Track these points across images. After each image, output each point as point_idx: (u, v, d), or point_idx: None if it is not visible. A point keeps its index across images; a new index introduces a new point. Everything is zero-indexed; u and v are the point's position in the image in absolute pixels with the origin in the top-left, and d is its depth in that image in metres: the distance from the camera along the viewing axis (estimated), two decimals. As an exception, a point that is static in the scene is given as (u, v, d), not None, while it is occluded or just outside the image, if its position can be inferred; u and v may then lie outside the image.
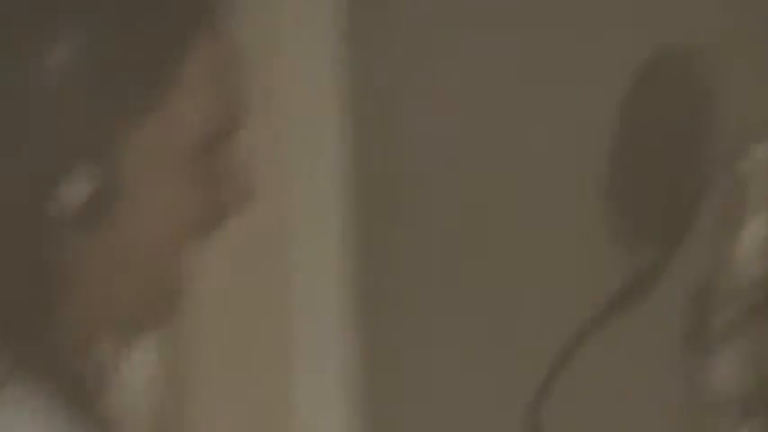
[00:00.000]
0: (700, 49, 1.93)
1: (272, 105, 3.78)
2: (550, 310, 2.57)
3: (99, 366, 1.75)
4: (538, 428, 1.98)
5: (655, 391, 2.67)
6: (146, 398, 2.22)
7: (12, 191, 1.51)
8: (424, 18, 4.63)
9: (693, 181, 1.87)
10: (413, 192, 4.15)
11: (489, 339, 3.95)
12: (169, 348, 3.35)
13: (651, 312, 2.11)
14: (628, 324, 1.98)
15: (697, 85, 1.90)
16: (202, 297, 3.95)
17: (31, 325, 1.60)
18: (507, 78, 4.40)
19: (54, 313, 1.62)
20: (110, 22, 1.60)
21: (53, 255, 1.60)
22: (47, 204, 1.55)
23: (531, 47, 4.38)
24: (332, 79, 4.36)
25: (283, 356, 3.83)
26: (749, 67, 3.78)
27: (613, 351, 2.68)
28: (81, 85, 1.56)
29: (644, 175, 1.91)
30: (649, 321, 2.32)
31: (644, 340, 2.83)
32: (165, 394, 2.13)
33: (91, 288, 1.70)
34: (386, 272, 4.35)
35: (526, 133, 4.31)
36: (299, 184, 3.95)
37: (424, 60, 4.41)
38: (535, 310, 3.11)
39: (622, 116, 1.94)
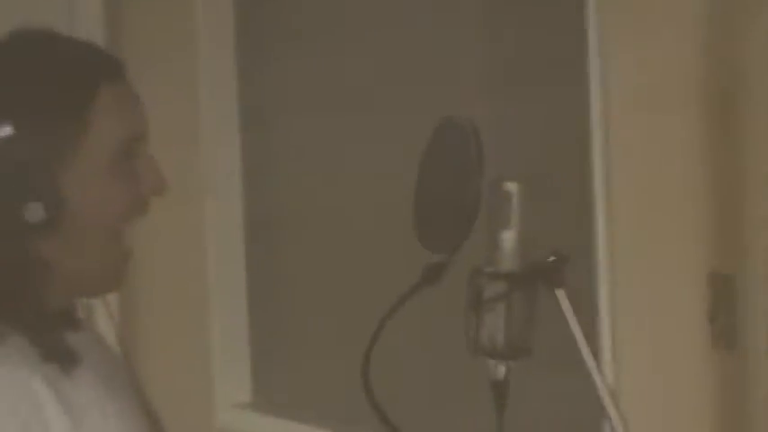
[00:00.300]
0: (472, 119, 2.55)
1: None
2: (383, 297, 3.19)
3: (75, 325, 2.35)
4: (368, 385, 2.55)
5: (451, 343, 2.91)
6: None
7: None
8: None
9: (469, 206, 2.50)
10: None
11: (342, 321, 4.61)
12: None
13: (447, 290, 2.61)
14: (432, 296, 2.56)
15: (471, 140, 2.54)
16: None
17: (21, 298, 2.22)
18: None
19: (36, 289, 2.23)
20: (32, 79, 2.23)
21: (32, 249, 2.22)
22: (19, 221, 2.16)
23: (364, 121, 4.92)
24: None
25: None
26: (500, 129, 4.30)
27: (426, 314, 3.15)
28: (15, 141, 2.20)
29: (437, 203, 2.58)
30: (447, 295, 2.67)
31: (443, 308, 3.06)
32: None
33: (62, 269, 2.27)
34: (272, 271, 5.25)
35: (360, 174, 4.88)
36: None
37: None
38: (372, 297, 3.59)
39: (423, 162, 2.62)
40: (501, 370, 2.58)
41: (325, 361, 4.32)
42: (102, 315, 2.57)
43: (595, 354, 2.61)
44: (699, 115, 3.88)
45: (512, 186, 2.54)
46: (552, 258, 2.58)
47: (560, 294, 2.54)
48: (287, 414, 5.00)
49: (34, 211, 2.23)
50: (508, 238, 2.56)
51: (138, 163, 2.33)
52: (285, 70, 5.46)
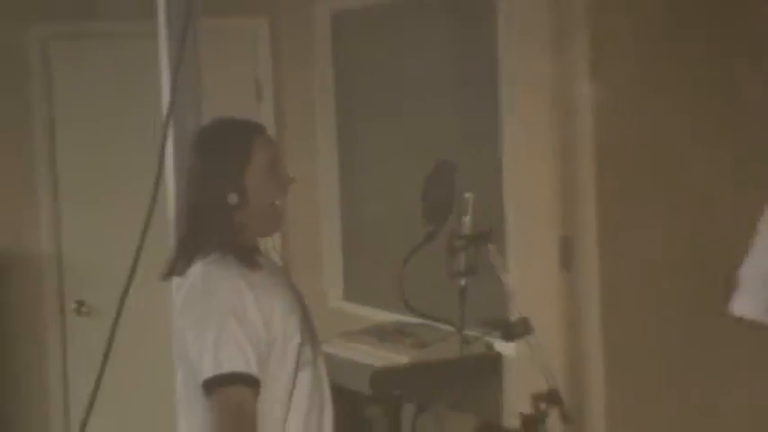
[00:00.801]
0: (454, 162, 3.96)
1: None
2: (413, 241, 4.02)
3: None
4: (401, 289, 3.93)
5: (439, 271, 4.10)
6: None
7: None
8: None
9: (448, 202, 3.93)
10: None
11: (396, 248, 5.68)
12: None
13: (437, 252, 3.96)
14: (431, 254, 3.89)
15: (452, 171, 3.98)
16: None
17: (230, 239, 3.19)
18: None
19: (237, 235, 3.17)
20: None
21: (234, 216, 3.15)
22: (226, 203, 3.18)
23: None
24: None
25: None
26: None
27: (428, 263, 3.97)
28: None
29: (434, 199, 3.95)
30: (436, 255, 3.95)
31: (439, 263, 4.06)
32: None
33: (249, 225, 3.19)
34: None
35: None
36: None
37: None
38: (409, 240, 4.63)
39: (428, 178, 4.00)
40: (462, 283, 4.01)
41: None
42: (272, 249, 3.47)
43: (506, 276, 4.01)
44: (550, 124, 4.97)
45: (469, 195, 4.01)
46: (487, 228, 4.00)
47: (491, 247, 3.97)
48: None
49: (232, 198, 3.24)
50: (466, 220, 4.01)
51: (278, 171, 3.33)
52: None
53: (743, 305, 4.18)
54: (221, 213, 3.24)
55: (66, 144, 6.67)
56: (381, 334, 5.53)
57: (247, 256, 3.24)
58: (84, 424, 3.44)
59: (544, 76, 5.02)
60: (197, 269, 3.22)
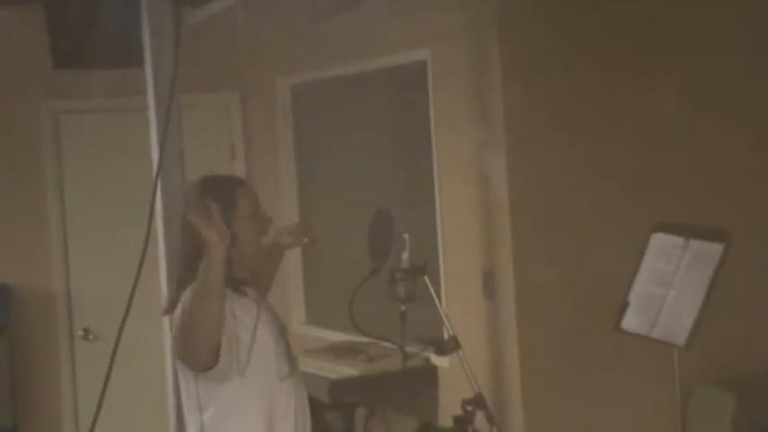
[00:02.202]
0: (390, 209, 4.04)
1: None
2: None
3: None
4: (352, 315, 3.85)
5: (383, 298, 4.12)
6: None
7: None
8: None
9: (389, 242, 4.00)
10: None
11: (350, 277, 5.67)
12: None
13: (381, 283, 4.03)
14: (378, 283, 3.96)
15: (391, 217, 4.04)
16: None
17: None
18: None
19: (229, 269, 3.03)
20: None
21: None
22: None
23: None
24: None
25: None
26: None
27: (373, 292, 3.98)
28: None
29: (377, 240, 4.01)
30: (381, 285, 4.04)
31: (382, 293, 4.11)
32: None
33: (238, 260, 3.14)
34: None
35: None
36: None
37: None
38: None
39: (371, 224, 4.03)
40: (402, 308, 4.10)
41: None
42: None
43: (439, 302, 4.02)
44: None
45: (406, 236, 4.09)
46: (422, 262, 4.06)
47: (426, 278, 4.02)
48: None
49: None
50: (405, 257, 4.09)
51: (259, 215, 3.33)
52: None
53: (630, 323, 4.22)
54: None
55: (73, 199, 6.66)
56: (337, 351, 5.54)
57: (235, 284, 3.20)
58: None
59: (468, 134, 5.06)
60: (184, 296, 3.18)
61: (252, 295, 3.29)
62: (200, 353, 2.98)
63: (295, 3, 5.79)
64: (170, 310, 3.26)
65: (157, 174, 3.60)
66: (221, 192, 3.27)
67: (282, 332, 3.36)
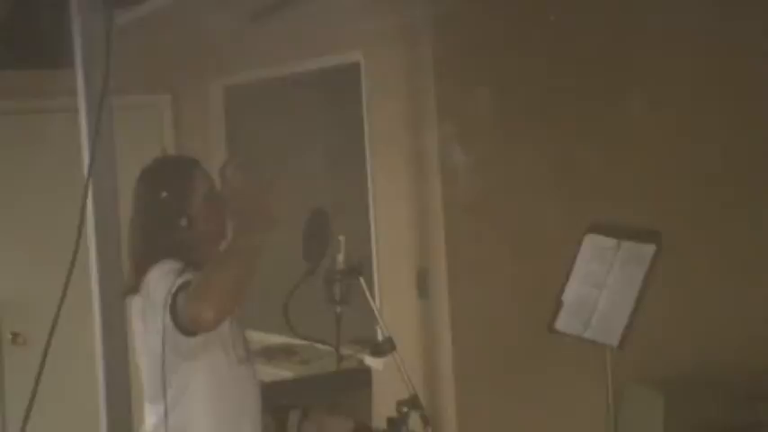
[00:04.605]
0: (326, 208, 3.89)
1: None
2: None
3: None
4: (288, 317, 3.90)
5: (315, 300, 4.05)
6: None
7: None
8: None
9: (325, 243, 3.88)
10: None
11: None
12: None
13: (316, 284, 3.92)
14: (311, 286, 3.86)
15: (327, 216, 3.91)
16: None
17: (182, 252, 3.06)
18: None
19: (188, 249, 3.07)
20: None
21: (184, 236, 3.08)
22: (179, 226, 3.09)
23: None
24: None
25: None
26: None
27: (308, 294, 3.85)
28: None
29: (312, 241, 3.87)
30: (315, 287, 3.91)
31: (317, 294, 4.03)
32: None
33: (197, 241, 3.12)
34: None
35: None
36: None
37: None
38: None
39: (306, 221, 3.87)
40: (338, 310, 4.06)
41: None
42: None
43: (374, 304, 3.99)
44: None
45: (342, 238, 4.03)
46: (358, 263, 4.02)
47: (361, 279, 3.98)
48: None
49: (183, 221, 3.22)
50: (340, 258, 4.03)
51: (215, 196, 3.25)
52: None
53: (564, 324, 4.24)
54: (169, 233, 3.20)
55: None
56: (270, 354, 5.51)
57: (195, 266, 3.10)
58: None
59: (401, 136, 5.08)
60: (150, 275, 3.14)
61: None
62: (215, 312, 2.86)
63: (229, 3, 5.71)
64: (128, 293, 3.22)
65: (89, 174, 3.47)
66: (177, 172, 3.28)
67: (237, 320, 3.32)
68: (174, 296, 2.98)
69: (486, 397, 4.89)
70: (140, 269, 3.19)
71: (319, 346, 4.79)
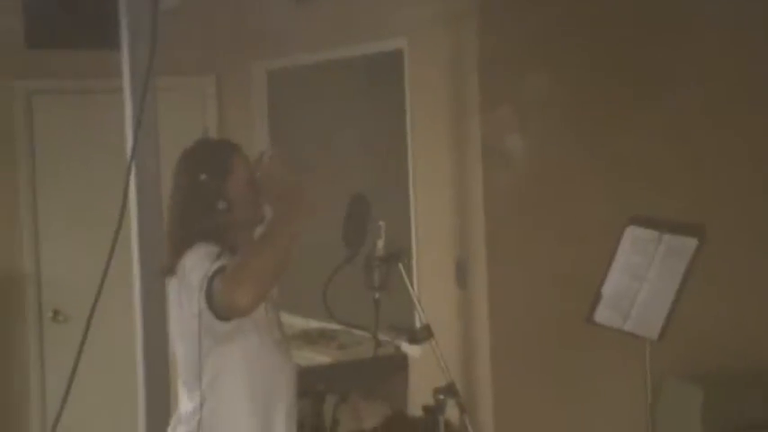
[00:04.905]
0: (366, 194, 3.93)
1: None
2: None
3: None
4: (327, 302, 3.79)
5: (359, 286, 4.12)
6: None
7: None
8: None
9: (364, 229, 3.90)
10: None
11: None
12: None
13: (355, 270, 3.95)
14: (352, 270, 3.87)
15: (367, 203, 3.94)
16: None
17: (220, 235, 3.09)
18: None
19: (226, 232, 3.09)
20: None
21: (222, 218, 3.09)
22: (216, 209, 3.11)
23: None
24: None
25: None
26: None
27: (347, 279, 3.86)
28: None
29: (352, 227, 3.91)
30: (355, 273, 3.94)
31: (356, 279, 4.05)
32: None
33: (235, 224, 3.12)
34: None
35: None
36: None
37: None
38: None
39: (348, 206, 3.91)
40: (377, 296, 4.04)
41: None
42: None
43: (412, 291, 4.01)
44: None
45: (382, 223, 4.04)
46: (397, 250, 4.04)
47: (401, 265, 4.00)
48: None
49: (222, 204, 3.22)
50: (380, 244, 4.05)
51: (254, 182, 3.23)
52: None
53: (603, 315, 4.23)
54: (207, 216, 3.19)
55: (44, 179, 6.63)
56: (309, 338, 5.53)
57: (231, 250, 3.13)
58: (57, 419, 3.32)
59: (443, 123, 5.06)
60: (185, 259, 3.14)
61: None
62: (251, 295, 2.88)
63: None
64: (166, 274, 3.24)
65: (132, 156, 3.55)
66: (217, 156, 3.27)
67: (272, 304, 3.35)
68: (210, 280, 2.99)
69: (524, 387, 4.89)
70: (177, 251, 3.19)
71: (357, 331, 4.86)
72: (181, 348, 3.27)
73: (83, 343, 3.22)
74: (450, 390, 3.93)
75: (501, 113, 4.86)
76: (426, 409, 3.97)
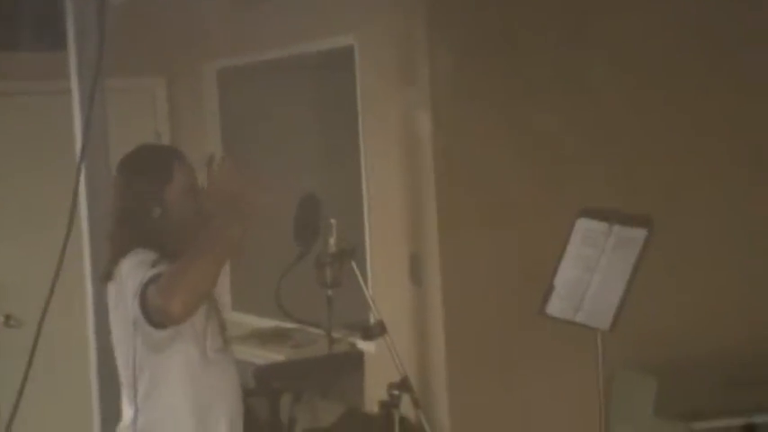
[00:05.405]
0: (316, 193, 4.00)
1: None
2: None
3: None
4: (280, 300, 4.05)
5: (310, 283, 4.10)
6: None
7: None
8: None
9: (315, 227, 3.98)
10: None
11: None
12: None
13: (307, 266, 4.01)
14: (304, 268, 3.95)
15: (317, 202, 4.02)
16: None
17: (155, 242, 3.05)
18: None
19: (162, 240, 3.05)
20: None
21: (156, 227, 3.08)
22: (152, 216, 3.04)
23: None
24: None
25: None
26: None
27: (300, 277, 3.97)
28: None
29: (303, 225, 3.99)
30: (307, 270, 4.01)
31: (309, 278, 4.09)
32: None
33: (170, 232, 3.08)
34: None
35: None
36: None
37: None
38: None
39: (298, 206, 3.99)
40: (329, 293, 4.09)
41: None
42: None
43: (366, 287, 4.04)
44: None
45: (333, 221, 4.07)
46: (350, 247, 4.07)
47: (353, 263, 4.04)
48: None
49: (156, 211, 3.16)
50: (332, 241, 4.08)
51: (195, 191, 3.19)
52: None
53: (555, 307, 4.28)
54: (144, 222, 3.16)
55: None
56: (263, 337, 5.54)
57: (168, 256, 3.10)
58: (9, 424, 3.38)
59: (395, 120, 5.09)
60: (123, 264, 3.12)
61: None
62: (185, 302, 2.87)
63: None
64: (104, 279, 3.21)
65: (81, 158, 3.56)
66: (156, 162, 3.23)
67: (215, 309, 3.28)
68: (145, 287, 2.97)
69: (478, 380, 4.90)
70: (115, 256, 3.17)
71: (312, 329, 4.85)
72: (119, 356, 3.25)
73: (34, 348, 3.27)
74: (404, 385, 3.96)
75: (452, 109, 4.87)
76: (382, 404, 3.99)
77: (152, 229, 3.16)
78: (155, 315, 2.96)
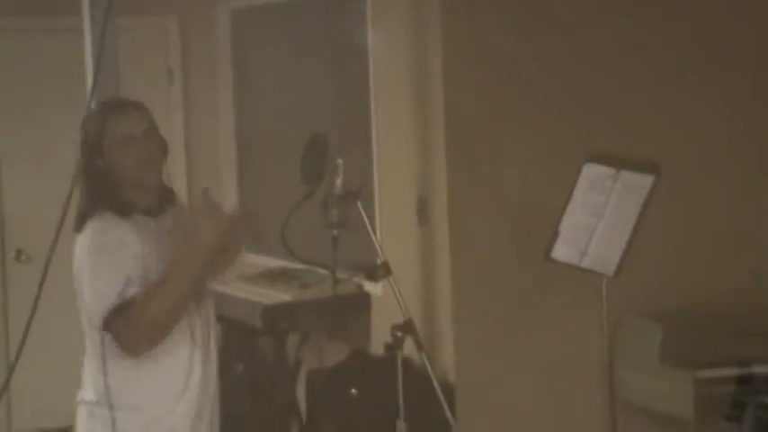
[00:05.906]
0: (325, 134, 4.10)
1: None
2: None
3: None
4: (286, 241, 4.07)
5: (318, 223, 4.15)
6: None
7: None
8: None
9: (323, 166, 4.05)
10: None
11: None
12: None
13: (316, 208, 4.10)
14: (311, 209, 4.08)
15: (325, 142, 4.11)
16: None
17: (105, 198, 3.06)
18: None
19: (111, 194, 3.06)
20: None
21: (104, 179, 3.02)
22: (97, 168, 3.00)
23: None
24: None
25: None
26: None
27: (307, 218, 4.13)
28: None
29: (308, 163, 4.11)
30: (314, 210, 4.10)
31: (316, 218, 4.15)
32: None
33: (118, 184, 3.05)
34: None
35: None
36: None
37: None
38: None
39: (306, 146, 4.16)
40: (335, 233, 4.11)
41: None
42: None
43: (372, 228, 4.08)
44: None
45: (340, 161, 4.09)
46: (356, 188, 4.08)
47: (359, 204, 4.07)
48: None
49: (99, 163, 3.09)
50: (338, 182, 4.10)
51: (135, 144, 3.09)
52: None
53: (561, 252, 4.30)
54: (95, 177, 3.15)
55: (5, 119, 6.60)
56: (270, 277, 5.58)
57: (125, 209, 3.12)
58: (17, 358, 3.44)
59: (405, 61, 5.07)
60: (86, 233, 3.12)
61: (142, 222, 3.16)
62: (152, 339, 2.98)
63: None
64: (76, 230, 3.18)
65: (91, 97, 3.59)
66: (98, 115, 3.21)
67: (206, 301, 3.26)
68: (110, 317, 2.99)
69: (484, 323, 4.92)
70: (80, 212, 3.17)
71: (317, 269, 4.88)
72: (86, 332, 3.19)
73: (42, 282, 3.35)
74: (407, 327, 4.00)
75: (461, 51, 4.85)
76: (387, 346, 4.02)
77: (101, 183, 3.13)
78: (120, 344, 3.01)
